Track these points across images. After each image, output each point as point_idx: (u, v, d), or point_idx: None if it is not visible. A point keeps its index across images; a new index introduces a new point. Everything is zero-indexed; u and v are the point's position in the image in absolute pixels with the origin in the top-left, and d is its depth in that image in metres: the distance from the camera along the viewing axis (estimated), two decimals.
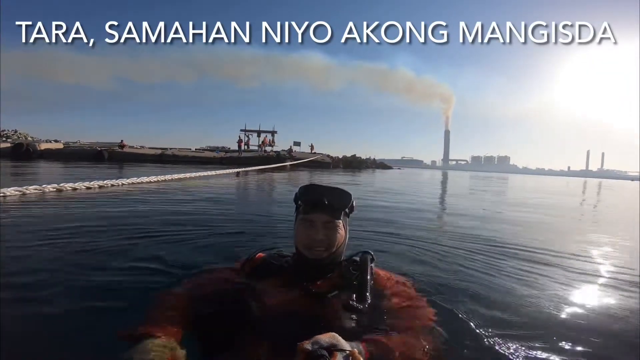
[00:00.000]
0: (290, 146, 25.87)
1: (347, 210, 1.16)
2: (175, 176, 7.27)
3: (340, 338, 0.76)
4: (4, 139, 25.92)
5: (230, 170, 10.86)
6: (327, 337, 0.74)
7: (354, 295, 1.05)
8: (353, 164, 28.38)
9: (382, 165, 34.15)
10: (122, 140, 22.65)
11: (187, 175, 7.68)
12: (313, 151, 26.79)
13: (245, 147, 27.32)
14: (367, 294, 1.06)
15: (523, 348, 1.14)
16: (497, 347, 1.14)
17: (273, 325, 0.97)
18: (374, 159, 34.42)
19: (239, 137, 25.74)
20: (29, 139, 27.05)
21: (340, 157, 29.96)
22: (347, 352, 0.73)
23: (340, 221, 1.14)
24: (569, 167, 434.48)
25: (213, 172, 9.05)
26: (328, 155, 28.13)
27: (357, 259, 1.18)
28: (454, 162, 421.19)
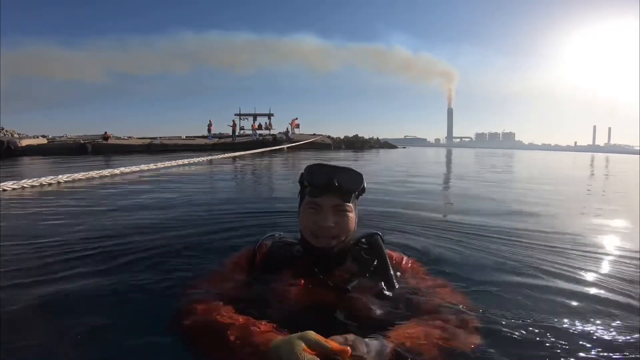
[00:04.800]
0: (287, 128, 24.03)
1: (357, 192, 1.07)
2: (143, 167, 6.84)
3: (358, 341, 0.68)
4: None
5: (212, 157, 9.57)
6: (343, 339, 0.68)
7: (382, 283, 1.00)
8: (356, 145, 26.85)
9: (387, 144, 32.43)
10: (105, 132, 21.18)
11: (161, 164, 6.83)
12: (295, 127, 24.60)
13: (241, 131, 25.70)
14: (394, 279, 1.01)
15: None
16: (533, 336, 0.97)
17: (296, 321, 0.81)
18: (378, 138, 32.64)
19: (233, 121, 23.73)
20: (15, 136, 26.04)
21: (342, 137, 28.31)
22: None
23: (351, 205, 1.05)
24: (575, 143, 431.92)
25: (192, 160, 7.75)
26: (328, 136, 26.49)
27: (364, 240, 1.11)
28: (457, 140, 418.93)
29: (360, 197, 1.11)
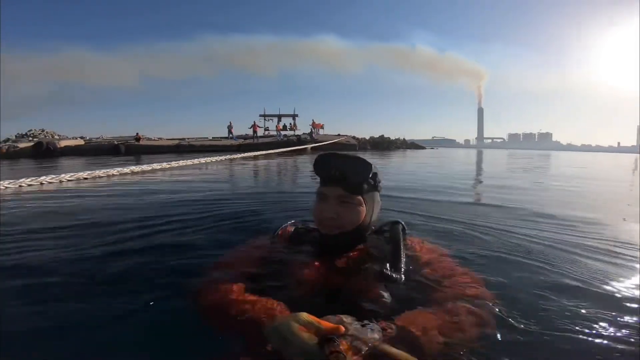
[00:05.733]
0: (311, 128, 23.82)
1: (370, 183, 1.06)
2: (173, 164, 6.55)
3: (351, 321, 0.68)
4: (31, 138, 26.69)
5: (235, 156, 9.54)
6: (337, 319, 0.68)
7: (387, 265, 0.97)
8: (381, 145, 26.23)
9: (414, 145, 31.51)
10: (137, 133, 21.94)
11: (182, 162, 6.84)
12: (315, 128, 23.98)
13: (266, 132, 25.79)
14: (402, 262, 0.99)
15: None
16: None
17: (302, 301, 0.86)
18: (404, 139, 31.78)
19: (254, 122, 23.41)
20: (55, 137, 27.65)
21: (367, 138, 27.78)
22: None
23: (360, 197, 1.03)
24: (618, 143, 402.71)
25: (213, 158, 7.74)
26: (353, 137, 26.04)
27: (387, 229, 1.12)
28: (489, 141, 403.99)
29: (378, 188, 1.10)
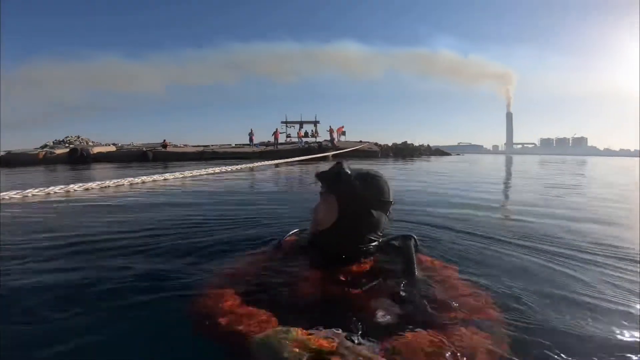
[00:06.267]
0: (333, 135, 23.70)
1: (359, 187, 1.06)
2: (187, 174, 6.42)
3: (344, 337, 0.66)
4: (67, 144, 28.23)
5: (256, 164, 9.61)
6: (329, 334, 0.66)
7: (402, 285, 0.96)
8: (405, 152, 25.66)
9: (438, 151, 30.72)
10: (164, 140, 22.65)
11: (199, 172, 6.75)
12: (334, 134, 23.74)
13: (288, 139, 25.92)
14: (415, 283, 0.97)
15: None
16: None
17: (298, 314, 0.85)
18: (428, 145, 31.03)
19: (276, 129, 23.62)
20: (90, 143, 29.10)
21: (390, 144, 27.33)
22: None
23: (333, 195, 1.05)
24: None
25: (233, 167, 7.78)
26: (376, 143, 25.69)
27: (397, 244, 1.11)
28: (519, 146, 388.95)
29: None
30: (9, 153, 23.31)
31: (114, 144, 26.90)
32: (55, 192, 4.11)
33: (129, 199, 3.86)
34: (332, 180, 1.07)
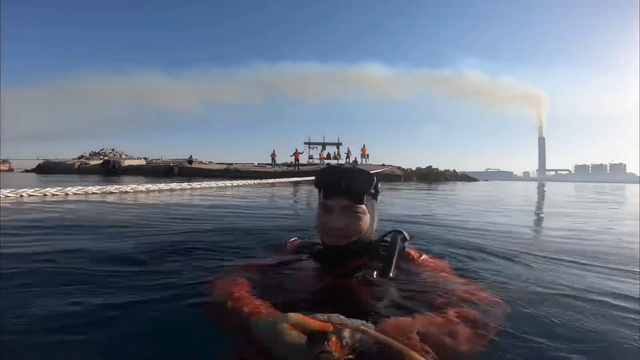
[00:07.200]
0: (355, 157, 23.66)
1: (371, 192, 1.08)
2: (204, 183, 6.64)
3: (340, 320, 0.69)
4: (102, 156, 29.80)
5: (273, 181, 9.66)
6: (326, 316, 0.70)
7: (376, 271, 1.03)
8: (429, 176, 25.16)
9: (465, 177, 29.83)
10: (190, 156, 23.42)
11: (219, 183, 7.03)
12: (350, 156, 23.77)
13: (310, 160, 26.08)
14: (391, 268, 1.04)
15: None
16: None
17: (298, 303, 0.93)
18: (454, 170, 30.26)
19: (296, 149, 23.59)
20: (123, 156, 30.62)
21: (414, 168, 26.89)
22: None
23: (362, 206, 1.05)
24: None
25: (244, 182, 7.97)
26: (399, 167, 25.35)
27: (388, 239, 1.14)
28: (552, 173, 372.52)
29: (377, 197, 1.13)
30: (47, 161, 24.87)
31: (144, 158, 28.09)
32: (53, 194, 4.89)
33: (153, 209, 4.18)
34: (365, 193, 1.06)
